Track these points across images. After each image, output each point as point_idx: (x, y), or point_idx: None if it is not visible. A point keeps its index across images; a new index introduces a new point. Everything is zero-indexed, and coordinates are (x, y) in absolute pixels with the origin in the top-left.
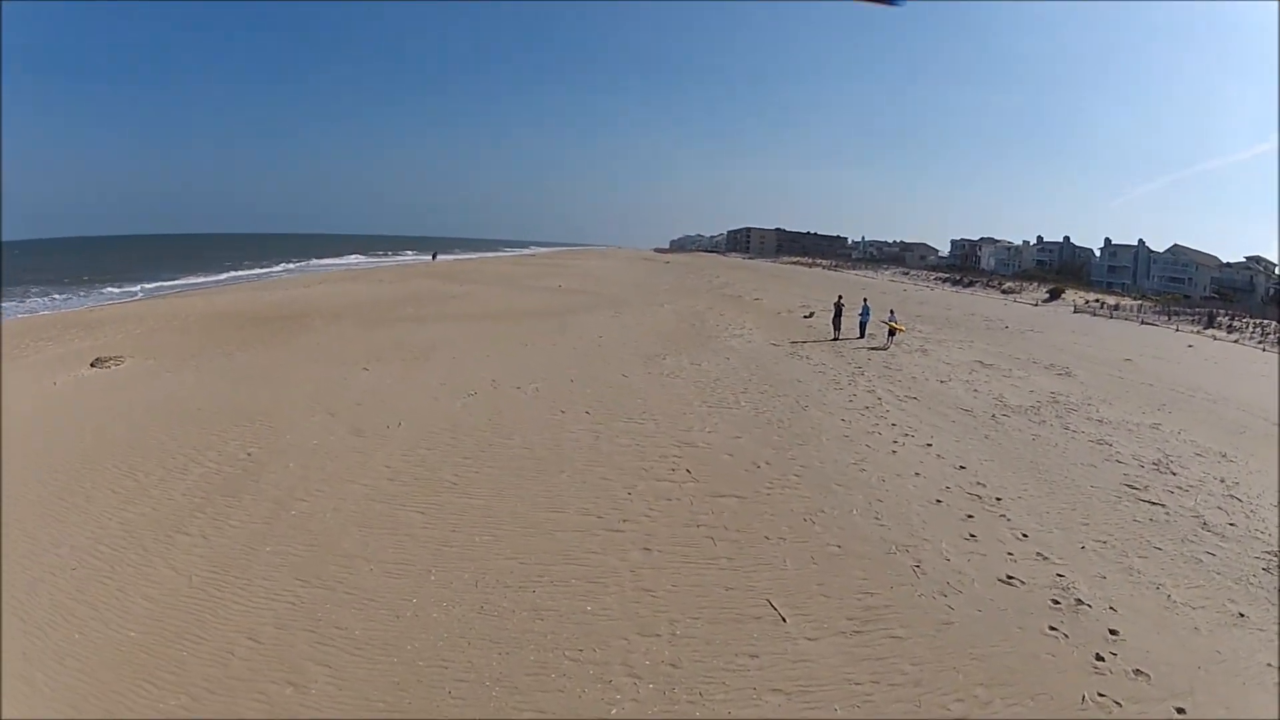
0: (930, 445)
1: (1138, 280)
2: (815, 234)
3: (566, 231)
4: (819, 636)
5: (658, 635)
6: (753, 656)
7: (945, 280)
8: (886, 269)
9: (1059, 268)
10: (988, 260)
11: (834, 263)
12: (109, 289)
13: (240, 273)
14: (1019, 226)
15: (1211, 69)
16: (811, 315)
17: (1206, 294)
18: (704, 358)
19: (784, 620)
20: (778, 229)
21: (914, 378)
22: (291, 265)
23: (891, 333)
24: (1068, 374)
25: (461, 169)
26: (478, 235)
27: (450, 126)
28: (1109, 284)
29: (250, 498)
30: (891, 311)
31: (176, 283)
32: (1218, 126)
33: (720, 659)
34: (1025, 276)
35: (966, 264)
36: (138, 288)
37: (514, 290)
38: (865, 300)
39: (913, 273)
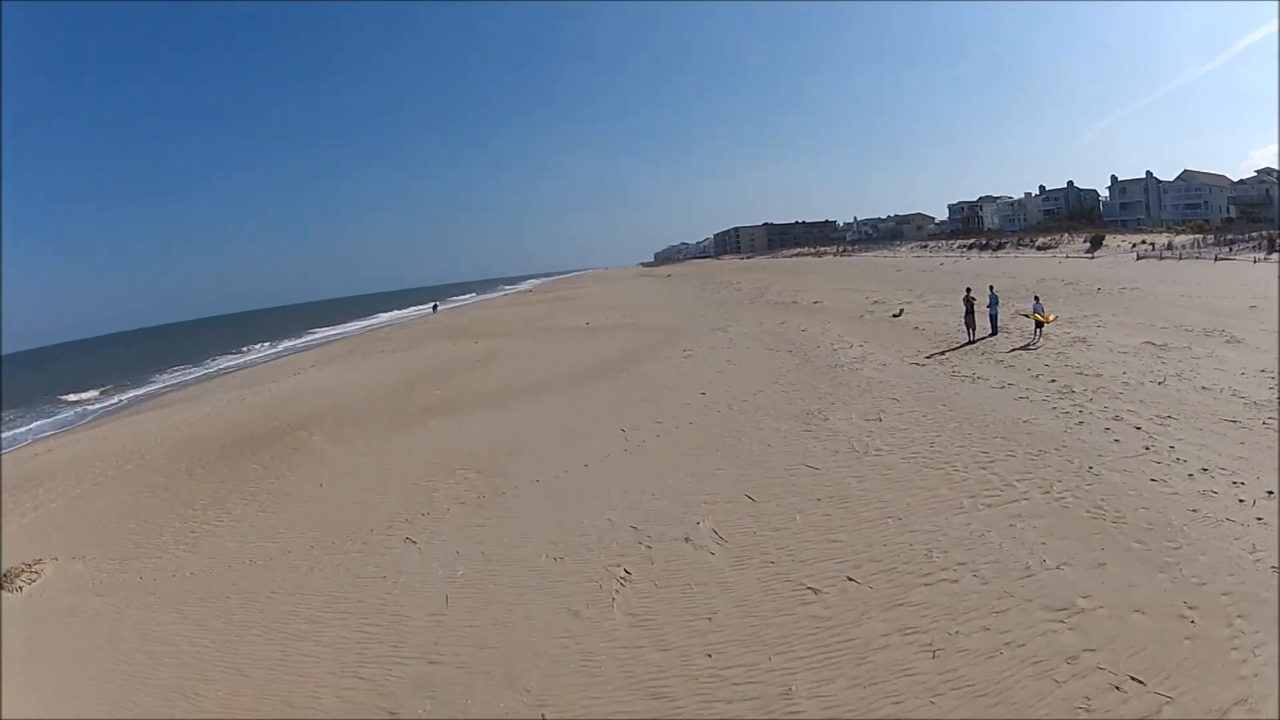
0: (1273, 494)
1: (1151, 213)
2: (803, 223)
3: (550, 262)
4: None
5: None
6: None
7: (972, 247)
8: (901, 245)
9: (1070, 214)
10: (991, 218)
11: (840, 248)
12: (64, 411)
13: (227, 360)
14: (994, 183)
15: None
16: (900, 313)
17: (1226, 215)
18: (863, 403)
19: None
20: (765, 224)
21: (1126, 382)
22: (284, 344)
23: (1039, 325)
24: (1236, 339)
25: (437, 217)
26: (464, 279)
27: (418, 177)
28: (1123, 221)
29: None
30: (1036, 299)
31: (148, 389)
32: (1161, 53)
33: None
34: (1044, 229)
35: (970, 226)
36: (98, 405)
37: (542, 340)
38: (992, 289)
39: (931, 245)
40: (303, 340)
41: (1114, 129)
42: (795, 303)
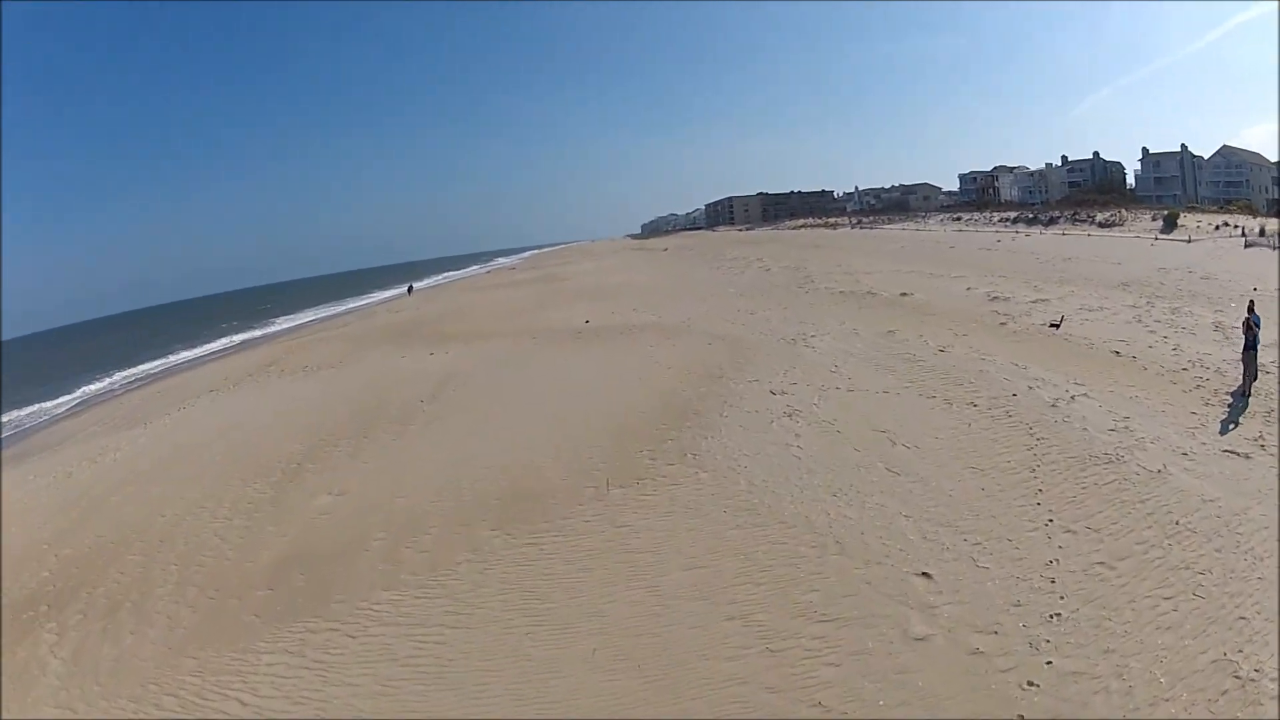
0: None
1: (1187, 190)
2: (799, 193)
3: (525, 235)
4: None
5: None
6: None
7: (1017, 220)
8: (927, 218)
9: (1097, 187)
10: (1009, 190)
11: (855, 219)
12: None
13: (114, 375)
14: (986, 156)
15: None
16: (1060, 323)
17: (1273, 197)
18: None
19: None
20: (760, 194)
21: None
22: (206, 347)
23: None
24: None
25: (406, 190)
26: (438, 254)
27: (401, 154)
28: (1157, 197)
29: None
30: (1253, 311)
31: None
32: (1153, 29)
33: None
34: (1075, 202)
35: (985, 197)
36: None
37: (528, 353)
38: (1252, 308)
39: (965, 217)
40: (241, 337)
41: (1104, 104)
42: (871, 293)
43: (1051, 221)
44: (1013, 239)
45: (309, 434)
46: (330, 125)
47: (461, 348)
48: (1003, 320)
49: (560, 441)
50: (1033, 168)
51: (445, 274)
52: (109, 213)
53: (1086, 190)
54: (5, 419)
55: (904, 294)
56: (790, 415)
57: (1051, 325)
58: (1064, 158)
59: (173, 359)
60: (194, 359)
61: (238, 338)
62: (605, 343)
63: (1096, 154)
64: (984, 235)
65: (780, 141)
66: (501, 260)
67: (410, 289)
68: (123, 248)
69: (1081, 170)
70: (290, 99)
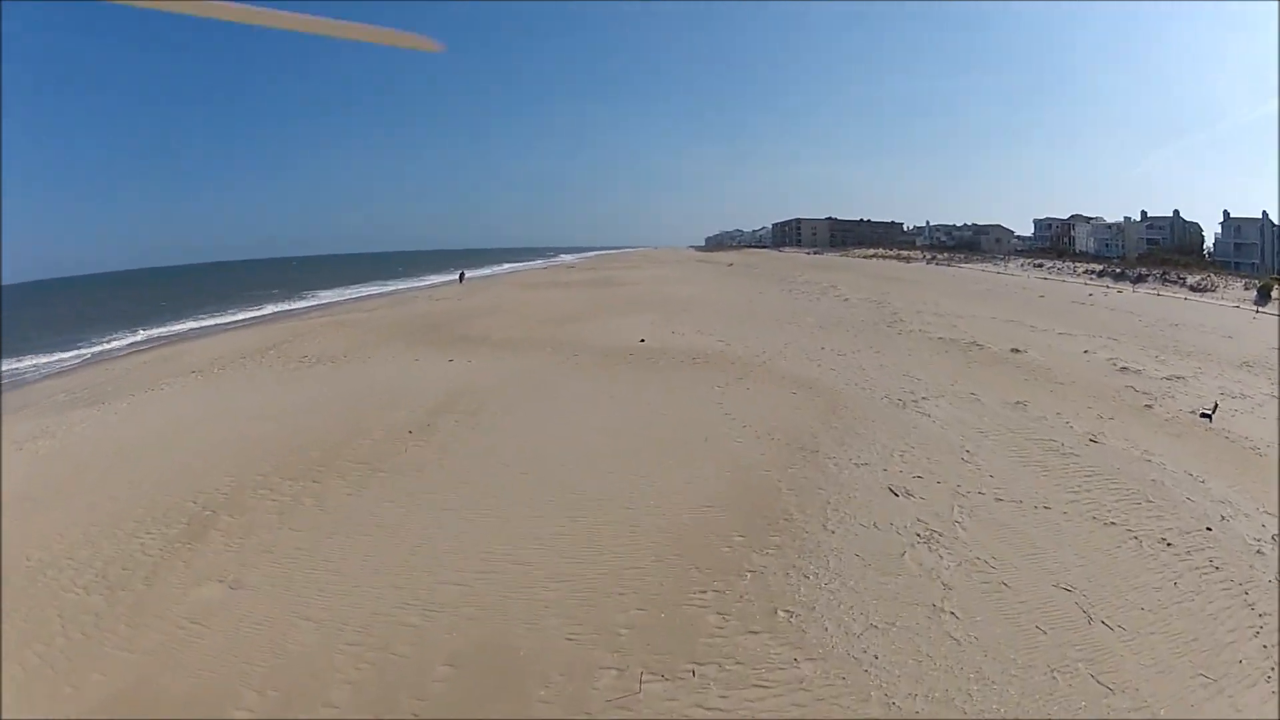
0: None
1: (1265, 259)
2: (869, 221)
3: (590, 236)
4: None
5: None
6: None
7: (1103, 274)
8: (1008, 260)
9: (1177, 247)
10: (1085, 241)
11: (929, 255)
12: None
13: (117, 339)
14: (1031, 206)
15: (1213, 29)
16: (1213, 413)
17: None
18: None
19: None
20: (829, 218)
21: None
22: (224, 318)
23: None
24: None
25: (466, 178)
26: (505, 244)
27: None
28: (1235, 264)
29: None
30: None
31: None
32: (1220, 89)
33: None
34: (1154, 260)
35: (1060, 245)
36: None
37: (565, 374)
38: None
39: (1047, 265)
40: (273, 308)
41: (1166, 162)
42: (976, 344)
43: (1140, 279)
44: (1104, 294)
45: (252, 462)
46: (440, 113)
47: (487, 356)
48: (1146, 402)
49: (574, 553)
50: (1109, 220)
51: (506, 265)
52: (244, 177)
53: (1166, 249)
54: None
55: (1015, 350)
56: (927, 541)
57: (1203, 415)
58: (1143, 213)
59: (190, 324)
60: (211, 326)
61: (269, 308)
62: (662, 374)
63: (1176, 212)
64: (1070, 287)
65: (840, 168)
66: (565, 257)
67: (462, 276)
68: (250, 207)
69: (1161, 228)
70: (415, 89)
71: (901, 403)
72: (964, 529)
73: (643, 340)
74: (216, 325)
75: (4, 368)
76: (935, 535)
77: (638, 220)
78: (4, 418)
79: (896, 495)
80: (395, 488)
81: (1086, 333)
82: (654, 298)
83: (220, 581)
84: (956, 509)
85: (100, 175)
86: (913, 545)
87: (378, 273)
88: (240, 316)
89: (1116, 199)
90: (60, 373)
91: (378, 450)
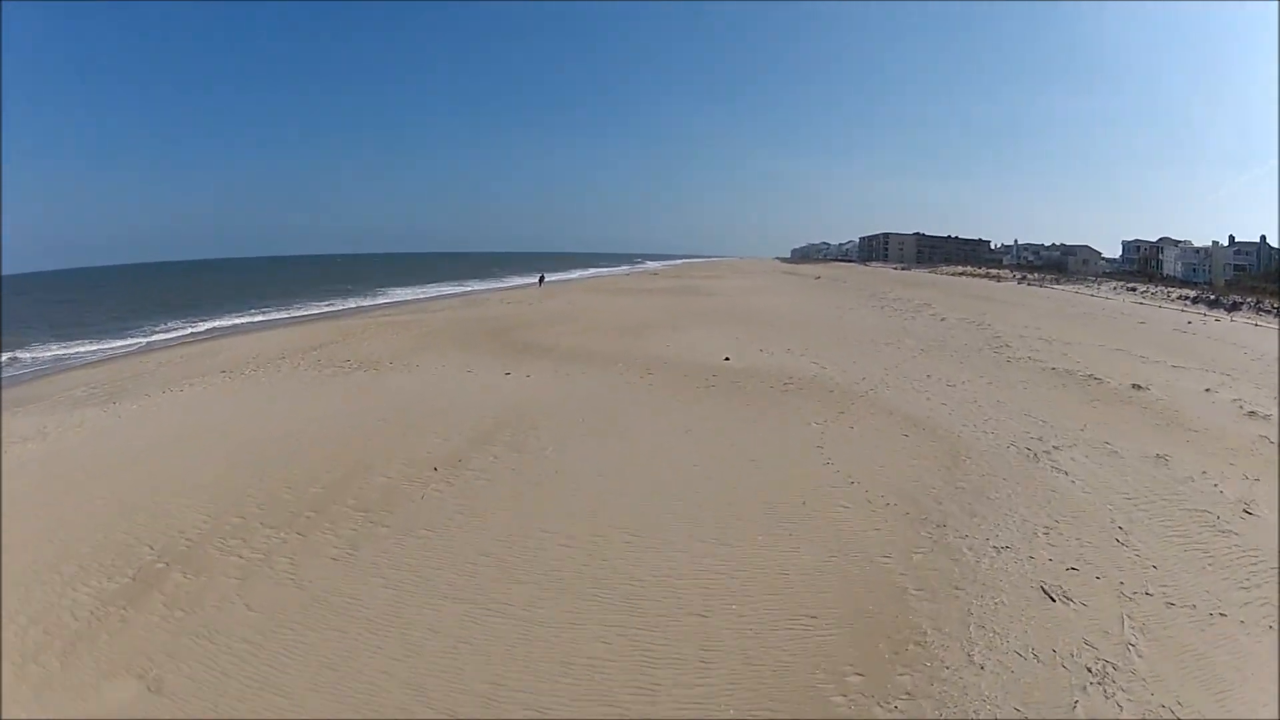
0: None
1: None
2: (956, 238)
3: (676, 244)
4: None
5: None
6: None
7: (1197, 300)
8: (1099, 283)
9: (1265, 274)
10: (1173, 265)
11: (1019, 275)
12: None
13: (149, 335)
14: (1114, 227)
15: None
16: None
17: None
18: None
19: None
20: (917, 234)
21: None
22: (284, 312)
23: None
24: None
25: (560, 185)
26: (594, 250)
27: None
28: None
29: None
30: None
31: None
32: None
33: None
34: (1251, 289)
35: (1146, 269)
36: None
37: (638, 399)
38: None
39: (1140, 289)
40: (339, 305)
41: (1252, 185)
42: (1094, 378)
43: (1235, 307)
44: (1203, 322)
45: (237, 496)
46: (550, 119)
47: (550, 369)
48: None
49: (618, 697)
50: (1197, 244)
51: (591, 270)
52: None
53: (1255, 276)
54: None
55: (1136, 386)
56: (1101, 681)
57: None
58: (1231, 237)
59: (242, 319)
60: (265, 321)
61: (337, 304)
62: (749, 405)
63: (1263, 237)
64: (1166, 313)
65: (929, 183)
66: (651, 264)
67: (541, 279)
68: (350, 202)
69: (1248, 253)
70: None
71: (1033, 454)
72: (1139, 655)
73: (727, 359)
74: (273, 320)
75: (50, 354)
76: (1109, 670)
77: (721, 230)
78: (12, 412)
79: (1053, 600)
80: (395, 555)
81: (1200, 366)
82: (740, 309)
83: (140, 678)
84: (1127, 622)
85: (217, 166)
86: (1084, 688)
87: (461, 272)
88: (304, 312)
89: (1200, 222)
90: (98, 361)
91: (389, 493)
